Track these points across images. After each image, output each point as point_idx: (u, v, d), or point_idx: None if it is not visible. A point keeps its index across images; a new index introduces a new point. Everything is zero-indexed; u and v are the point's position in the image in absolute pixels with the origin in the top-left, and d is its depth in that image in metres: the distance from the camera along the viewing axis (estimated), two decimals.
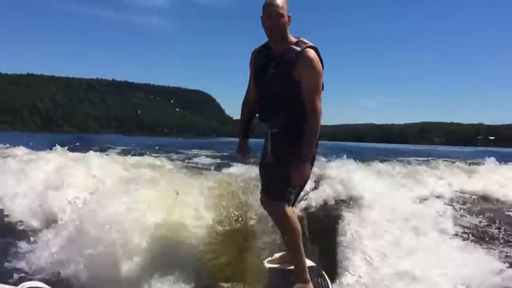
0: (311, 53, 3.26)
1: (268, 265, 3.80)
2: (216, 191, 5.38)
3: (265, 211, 3.72)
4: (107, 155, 9.32)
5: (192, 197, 4.85)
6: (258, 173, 3.84)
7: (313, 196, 5.75)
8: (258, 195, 3.82)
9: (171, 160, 10.76)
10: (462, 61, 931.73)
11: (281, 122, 3.40)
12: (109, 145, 16.72)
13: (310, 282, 3.43)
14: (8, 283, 2.22)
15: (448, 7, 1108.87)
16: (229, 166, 9.02)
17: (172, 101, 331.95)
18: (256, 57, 3.52)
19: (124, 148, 14.85)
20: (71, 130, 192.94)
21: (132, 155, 8.96)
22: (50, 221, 5.33)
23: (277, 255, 3.93)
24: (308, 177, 3.44)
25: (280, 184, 3.34)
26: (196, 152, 15.96)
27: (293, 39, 3.33)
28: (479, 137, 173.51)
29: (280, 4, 3.20)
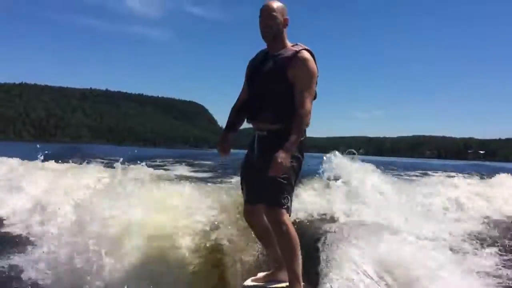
0: (307, 54, 3.31)
1: (251, 283, 3.54)
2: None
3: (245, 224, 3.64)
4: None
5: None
6: (239, 181, 3.60)
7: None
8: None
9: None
10: (455, 75, 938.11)
11: (269, 120, 3.31)
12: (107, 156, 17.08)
13: None
14: None
15: (443, 20, 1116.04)
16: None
17: (165, 112, 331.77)
18: (253, 60, 3.55)
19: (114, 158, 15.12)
20: (63, 140, 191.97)
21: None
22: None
23: (260, 274, 3.68)
24: (286, 170, 3.16)
25: (276, 190, 3.19)
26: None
27: (289, 43, 3.41)
28: (469, 151, 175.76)
29: (275, 6, 3.31)
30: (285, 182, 3.18)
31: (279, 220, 3.18)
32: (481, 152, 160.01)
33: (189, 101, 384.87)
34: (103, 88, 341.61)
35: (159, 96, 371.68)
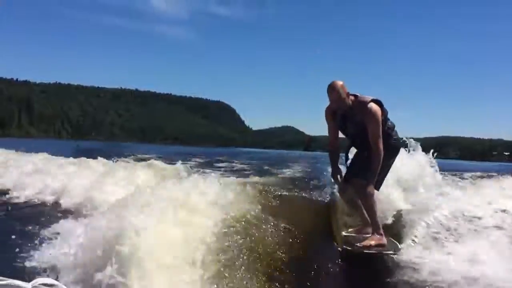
0: (373, 108, 4.46)
1: (344, 233, 4.80)
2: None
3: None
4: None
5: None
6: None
7: None
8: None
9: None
10: (485, 73, 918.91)
11: (365, 149, 4.60)
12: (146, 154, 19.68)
13: (384, 236, 4.54)
14: (21, 279, 1.93)
15: (470, 15, 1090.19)
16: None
17: (193, 112, 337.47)
18: (333, 116, 4.78)
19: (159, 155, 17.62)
20: (98, 138, 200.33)
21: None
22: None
23: (351, 229, 4.96)
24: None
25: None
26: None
27: (351, 99, 4.55)
28: (494, 152, 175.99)
29: (337, 89, 4.47)
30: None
31: (366, 190, 4.52)
32: (506, 154, 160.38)
33: (217, 100, 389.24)
34: (133, 87, 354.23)
35: (187, 96, 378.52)
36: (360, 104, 4.48)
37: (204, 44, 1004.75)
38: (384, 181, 4.85)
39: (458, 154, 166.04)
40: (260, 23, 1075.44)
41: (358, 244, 4.43)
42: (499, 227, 4.99)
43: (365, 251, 4.34)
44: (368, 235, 4.59)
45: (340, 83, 4.49)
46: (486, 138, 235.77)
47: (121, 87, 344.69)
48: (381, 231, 4.52)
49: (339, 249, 4.41)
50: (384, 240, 4.49)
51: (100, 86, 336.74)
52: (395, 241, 4.64)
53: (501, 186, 7.29)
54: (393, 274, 4.05)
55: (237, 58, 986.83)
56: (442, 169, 6.91)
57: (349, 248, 4.37)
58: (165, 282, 3.10)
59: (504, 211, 5.43)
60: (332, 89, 4.48)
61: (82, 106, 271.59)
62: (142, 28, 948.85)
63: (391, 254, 4.37)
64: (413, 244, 4.62)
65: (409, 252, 4.43)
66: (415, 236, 4.76)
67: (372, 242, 4.43)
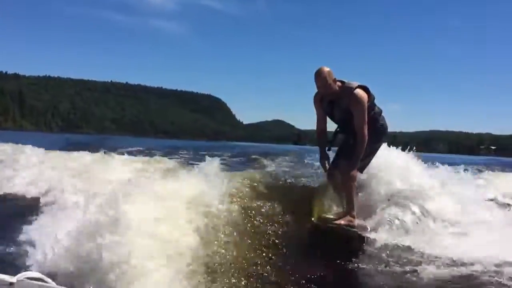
0: (359, 94, 4.54)
1: (329, 216, 4.88)
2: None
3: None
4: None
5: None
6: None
7: None
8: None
9: None
10: (477, 68, 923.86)
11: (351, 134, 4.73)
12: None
13: (356, 219, 4.67)
14: (5, 273, 1.91)
15: (460, 11, 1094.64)
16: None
17: (183, 105, 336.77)
18: (321, 103, 4.86)
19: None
20: (89, 132, 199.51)
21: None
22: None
23: (333, 214, 4.99)
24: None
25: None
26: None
27: (338, 85, 4.63)
28: (481, 147, 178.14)
29: (324, 75, 4.52)
30: None
31: (347, 173, 4.62)
32: (493, 147, 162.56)
33: (207, 94, 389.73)
34: (123, 81, 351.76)
35: (178, 89, 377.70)
36: (346, 90, 4.55)
37: (195, 37, 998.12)
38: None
39: (446, 148, 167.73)
40: (252, 17, 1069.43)
41: (329, 223, 4.58)
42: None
43: (329, 224, 4.53)
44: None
45: (327, 69, 4.54)
46: (476, 132, 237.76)
47: (111, 81, 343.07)
48: (354, 213, 4.64)
49: (314, 223, 4.57)
50: (355, 222, 4.60)
51: (90, 79, 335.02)
52: (365, 224, 4.79)
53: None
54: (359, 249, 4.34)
55: (228, 52, 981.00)
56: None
57: (319, 223, 4.57)
58: (152, 276, 3.08)
59: None
60: (318, 74, 4.53)
61: (73, 100, 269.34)
62: (133, 21, 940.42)
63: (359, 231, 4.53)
64: (387, 228, 4.75)
65: (379, 234, 4.60)
66: (390, 221, 4.84)
67: (342, 222, 4.55)
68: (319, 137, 5.03)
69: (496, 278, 3.65)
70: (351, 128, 4.67)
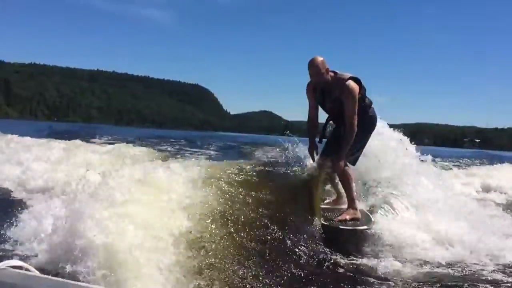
0: (350, 85, 4.59)
1: (322, 206, 5.02)
2: None
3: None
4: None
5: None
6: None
7: None
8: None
9: None
10: (465, 62, 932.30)
11: (341, 124, 4.79)
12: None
13: (358, 210, 4.84)
14: None
15: (448, 5, 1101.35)
16: None
17: (170, 95, 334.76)
18: (313, 92, 4.90)
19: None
20: (75, 120, 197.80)
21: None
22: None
23: (327, 201, 5.31)
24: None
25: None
26: None
27: (331, 75, 4.67)
28: (465, 139, 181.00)
29: (317, 64, 4.58)
30: None
31: (341, 167, 4.73)
32: (477, 140, 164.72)
33: (195, 84, 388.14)
34: (110, 70, 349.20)
35: (165, 79, 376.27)
36: (338, 81, 4.63)
37: (183, 27, 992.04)
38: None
39: (431, 141, 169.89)
40: (241, 7, 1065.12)
41: (335, 220, 4.67)
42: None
43: (340, 226, 4.59)
44: (342, 207, 4.97)
45: (320, 58, 4.63)
46: (461, 125, 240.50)
47: (98, 69, 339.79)
48: (356, 206, 4.82)
49: (318, 224, 4.52)
50: (358, 214, 4.77)
51: (77, 67, 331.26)
52: (368, 214, 4.99)
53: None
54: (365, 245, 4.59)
55: (216, 42, 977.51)
56: None
57: (326, 223, 4.58)
58: (139, 265, 2.97)
59: None
60: (311, 63, 4.62)
61: (59, 87, 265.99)
62: (119, 9, 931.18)
63: (364, 229, 4.65)
64: (386, 215, 5.11)
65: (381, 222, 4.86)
66: (386, 208, 5.25)
67: (347, 217, 4.70)
68: (310, 127, 5.06)
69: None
70: (341, 119, 4.74)
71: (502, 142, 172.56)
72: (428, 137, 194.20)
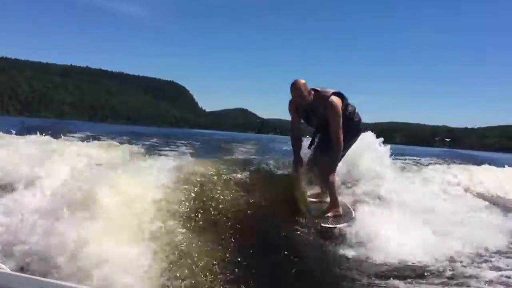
0: (334, 102, 4.81)
1: (309, 199, 5.17)
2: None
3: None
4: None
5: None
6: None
7: None
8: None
9: None
10: (440, 61, 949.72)
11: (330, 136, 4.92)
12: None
13: (340, 207, 5.07)
14: None
15: (426, 6, 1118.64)
16: None
17: (145, 91, 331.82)
18: (297, 110, 5.07)
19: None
20: (47, 116, 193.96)
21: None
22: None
23: (312, 194, 5.40)
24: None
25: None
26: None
27: (313, 94, 4.85)
28: (436, 138, 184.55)
29: (299, 86, 4.79)
30: None
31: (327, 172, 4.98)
32: (447, 140, 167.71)
33: (170, 81, 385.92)
34: (83, 65, 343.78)
35: (140, 75, 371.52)
36: (321, 99, 4.85)
37: (158, 23, 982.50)
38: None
39: (403, 140, 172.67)
40: (221, 4, 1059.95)
41: (322, 224, 4.73)
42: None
43: (322, 224, 4.73)
44: (326, 200, 5.16)
45: (302, 81, 4.85)
46: (433, 124, 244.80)
47: (71, 64, 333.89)
48: (338, 203, 5.07)
49: (301, 220, 4.61)
50: (340, 211, 5.03)
51: (49, 62, 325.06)
52: (350, 209, 5.21)
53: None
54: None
55: (192, 39, 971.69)
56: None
57: (310, 217, 4.73)
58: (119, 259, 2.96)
59: None
60: (294, 86, 4.83)
61: (31, 82, 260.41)
62: (94, 2, 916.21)
63: (345, 226, 4.73)
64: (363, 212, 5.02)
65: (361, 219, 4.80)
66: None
67: (330, 214, 4.97)
68: (293, 141, 5.24)
69: None
70: (327, 133, 4.98)
71: (472, 141, 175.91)
72: (400, 136, 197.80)
